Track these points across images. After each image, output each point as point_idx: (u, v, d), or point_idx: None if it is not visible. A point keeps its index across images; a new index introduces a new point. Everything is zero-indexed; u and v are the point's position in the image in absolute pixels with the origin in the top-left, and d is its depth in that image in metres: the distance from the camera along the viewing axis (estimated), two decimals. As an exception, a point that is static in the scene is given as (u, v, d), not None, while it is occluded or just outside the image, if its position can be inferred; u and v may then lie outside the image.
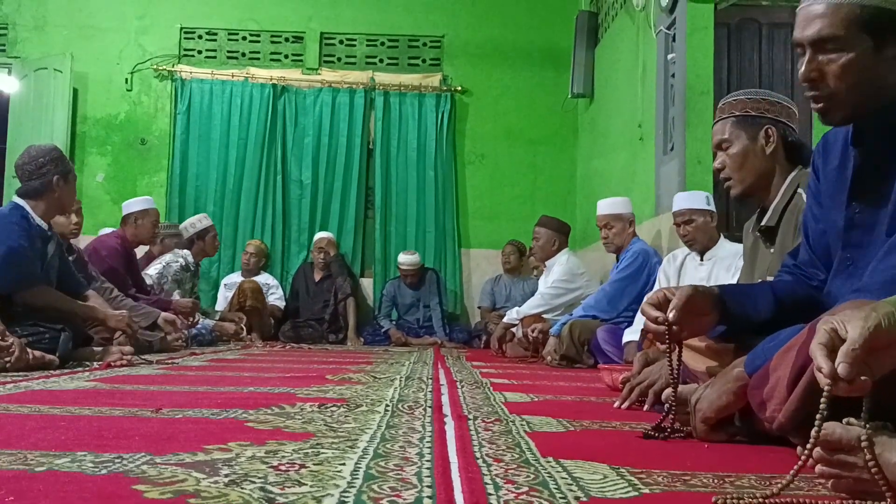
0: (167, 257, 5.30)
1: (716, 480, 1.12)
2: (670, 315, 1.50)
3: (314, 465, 1.15)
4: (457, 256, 6.81)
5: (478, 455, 1.27)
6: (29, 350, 2.76)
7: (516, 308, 4.95)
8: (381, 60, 6.98)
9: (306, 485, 1.02)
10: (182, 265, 5.33)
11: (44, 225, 3.34)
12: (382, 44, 6.98)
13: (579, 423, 1.73)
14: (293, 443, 1.35)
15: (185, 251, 5.43)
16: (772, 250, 2.02)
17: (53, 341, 2.99)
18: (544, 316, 4.66)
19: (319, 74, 6.84)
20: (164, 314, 4.36)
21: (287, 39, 6.89)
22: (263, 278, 6.45)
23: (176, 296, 5.14)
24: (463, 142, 6.94)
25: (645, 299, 1.59)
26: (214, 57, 6.85)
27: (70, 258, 3.87)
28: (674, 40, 4.42)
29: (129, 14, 6.73)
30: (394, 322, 6.45)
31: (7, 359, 2.63)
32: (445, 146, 6.84)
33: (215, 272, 6.65)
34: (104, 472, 1.08)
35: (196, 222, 5.61)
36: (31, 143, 3.76)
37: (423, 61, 7.00)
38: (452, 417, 1.74)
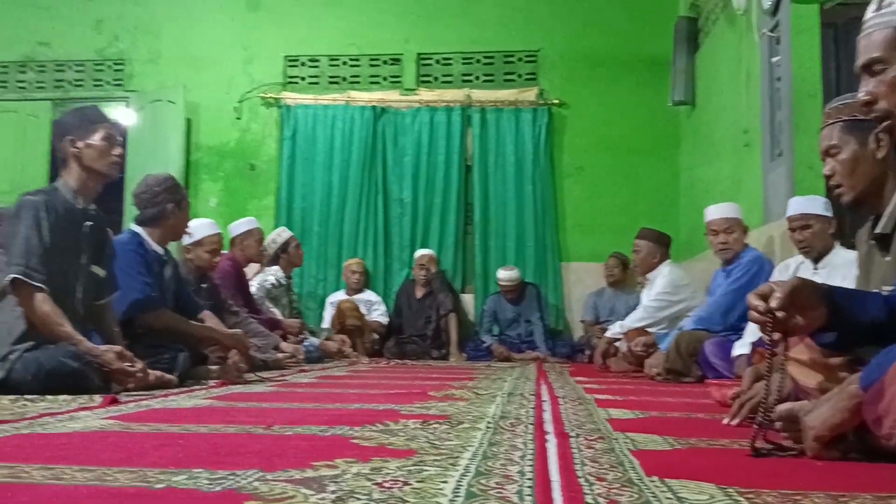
0: (258, 278, 5.48)
1: (829, 500, 1.08)
2: (773, 302, 1.44)
3: (417, 482, 1.17)
4: (557, 270, 6.77)
5: (580, 474, 1.26)
6: (150, 371, 2.90)
7: (619, 322, 4.87)
8: (476, 78, 7.04)
9: (409, 502, 1.04)
10: (273, 283, 5.50)
11: (160, 250, 3.52)
12: (478, 61, 7.04)
13: (686, 440, 1.69)
14: (397, 460, 1.38)
15: (274, 267, 5.60)
16: (887, 258, 1.93)
17: (172, 361, 3.14)
18: (648, 329, 4.57)
19: (417, 94, 6.96)
20: (283, 344, 4.56)
21: (385, 62, 7.04)
22: (366, 295, 6.58)
23: (276, 312, 5.32)
24: (561, 155, 6.91)
25: (751, 293, 1.54)
26: (317, 83, 7.07)
27: (203, 286, 4.08)
28: (778, 43, 4.27)
29: (237, 45, 7.03)
30: (496, 337, 6.45)
31: (131, 381, 2.77)
32: (543, 160, 6.82)
33: (321, 290, 6.83)
34: (218, 488, 1.13)
35: (276, 237, 5.77)
36: (149, 171, 3.98)
37: (519, 76, 7.02)
38: (554, 435, 1.73)
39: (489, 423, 1.93)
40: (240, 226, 5.24)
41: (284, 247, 5.70)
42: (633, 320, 4.71)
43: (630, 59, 6.81)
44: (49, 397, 2.50)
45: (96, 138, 2.90)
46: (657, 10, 6.72)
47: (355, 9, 7.03)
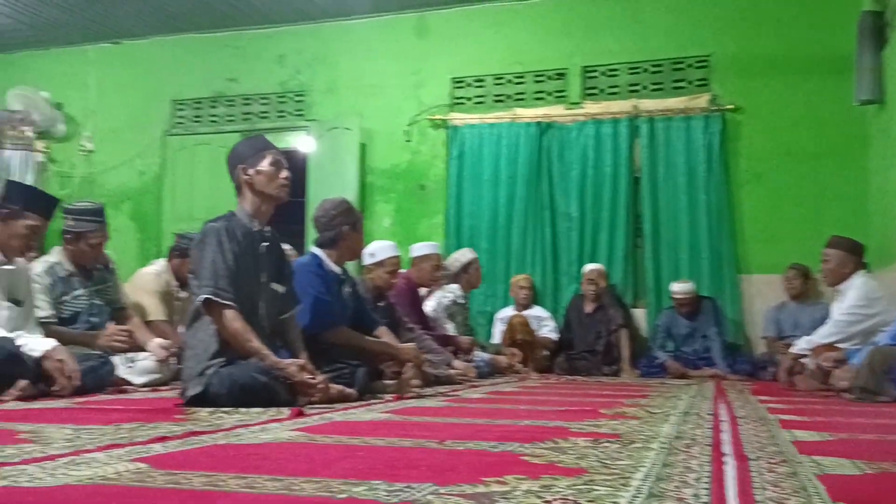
0: (438, 293, 5.62)
1: None
2: None
3: (587, 501, 1.17)
4: (735, 283, 6.47)
5: (759, 498, 1.21)
6: (331, 385, 3.06)
7: (806, 337, 4.59)
8: (644, 87, 6.90)
9: (579, 522, 1.04)
10: (452, 300, 5.63)
11: (338, 270, 3.71)
12: (645, 70, 6.90)
13: (878, 465, 1.58)
14: (566, 478, 1.38)
15: (454, 285, 5.73)
16: None
17: (352, 376, 3.30)
18: (839, 345, 4.28)
19: (583, 108, 6.92)
20: (455, 362, 4.67)
21: (550, 77, 7.06)
22: (535, 311, 6.59)
23: (451, 329, 5.44)
24: (736, 162, 6.61)
25: None
26: (483, 102, 7.20)
27: (380, 304, 4.27)
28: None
29: (407, 71, 7.29)
30: (670, 353, 6.26)
31: (313, 392, 2.94)
32: (717, 168, 6.56)
33: (489, 306, 6.91)
34: (395, 500, 1.18)
35: (460, 256, 5.91)
36: (327, 195, 4.21)
37: (689, 83, 6.80)
38: (733, 457, 1.67)
39: (663, 442, 1.89)
40: (420, 248, 5.42)
41: (466, 267, 5.84)
42: (822, 336, 4.42)
43: (808, 58, 6.43)
44: (242, 410, 2.69)
45: (265, 164, 3.10)
46: (837, 6, 6.31)
47: (519, 28, 7.10)
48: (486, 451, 1.77)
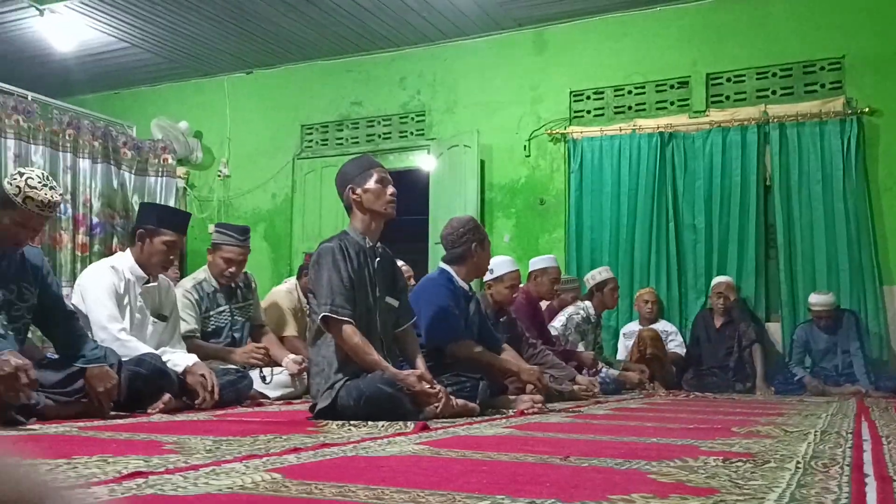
0: (569, 309, 5.58)
1: None
2: None
3: (716, 522, 1.14)
4: (878, 295, 6.09)
5: (904, 524, 1.15)
6: (453, 398, 3.10)
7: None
8: (773, 92, 6.64)
9: (707, 542, 1.02)
10: (583, 317, 5.57)
11: (465, 286, 3.77)
12: (774, 75, 6.64)
13: None
14: (696, 498, 1.35)
15: (587, 303, 5.68)
16: None
17: (473, 390, 3.33)
18: None
19: (707, 116, 6.72)
20: (578, 377, 4.63)
21: (672, 86, 6.91)
22: (662, 325, 6.43)
23: (580, 347, 5.38)
24: (876, 167, 6.25)
25: None
26: (602, 114, 7.12)
27: (501, 319, 4.30)
28: None
29: (525, 87, 7.32)
30: (808, 369, 5.95)
31: (436, 405, 2.98)
32: (855, 174, 6.21)
33: (614, 322, 6.79)
34: (519, 515, 1.19)
35: (597, 274, 5.85)
36: (448, 212, 4.29)
37: (822, 86, 6.49)
38: (875, 478, 1.58)
39: (799, 462, 1.81)
40: (538, 262, 5.41)
41: (602, 285, 5.79)
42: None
43: (956, 53, 6.01)
44: (370, 423, 2.77)
45: (371, 183, 3.19)
46: None
47: (638, 38, 6.99)
48: (611, 468, 1.75)
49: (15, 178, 2.94)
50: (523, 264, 5.59)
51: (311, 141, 8.22)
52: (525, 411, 3.39)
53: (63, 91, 8.10)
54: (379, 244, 3.26)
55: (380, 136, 7.95)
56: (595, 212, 6.99)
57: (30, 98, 6.45)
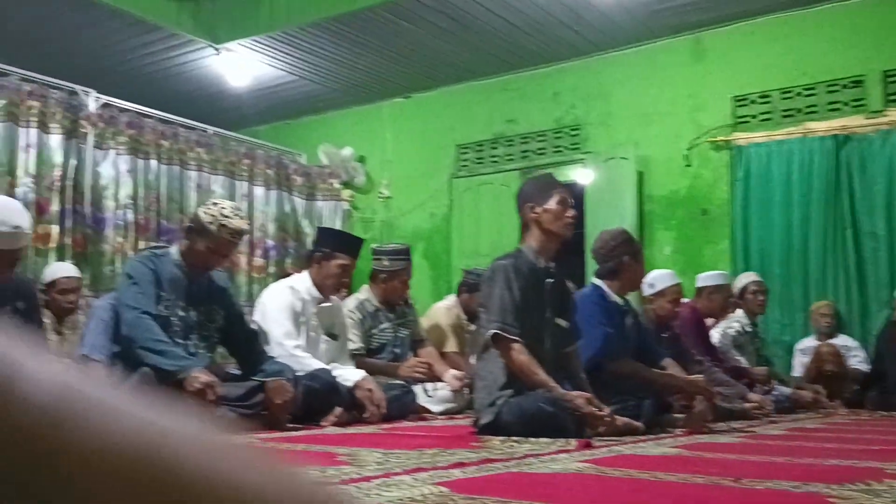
0: (721, 325, 5.35)
1: None
2: None
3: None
4: None
5: None
6: (617, 417, 3.05)
7: None
8: (962, 86, 6.10)
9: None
10: (738, 329, 5.32)
11: (620, 301, 3.71)
12: (962, 67, 6.11)
13: None
14: (881, 525, 1.27)
15: (739, 313, 5.42)
16: None
17: (638, 408, 3.26)
18: None
19: (886, 116, 6.26)
20: (751, 395, 4.44)
21: (845, 86, 6.49)
22: (841, 340, 6.02)
23: (742, 361, 5.15)
24: None
25: None
26: (769, 119, 6.80)
27: (664, 335, 4.21)
28: None
29: (683, 95, 7.12)
30: None
31: (601, 426, 2.95)
32: None
33: (788, 336, 6.43)
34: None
35: (737, 282, 5.59)
36: (605, 226, 4.23)
37: None
38: None
39: None
40: (711, 278, 5.24)
41: (742, 292, 5.55)
42: None
43: None
44: (532, 439, 2.78)
45: (552, 203, 3.19)
46: None
47: (806, 37, 6.63)
48: (787, 490, 1.67)
49: (210, 208, 3.22)
50: (686, 277, 5.42)
51: (466, 160, 8.37)
52: (693, 430, 3.28)
53: (238, 124, 8.70)
54: (552, 264, 3.27)
55: (534, 151, 7.97)
56: (763, 221, 6.67)
57: (210, 132, 6.98)
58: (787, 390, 5.25)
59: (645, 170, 7.20)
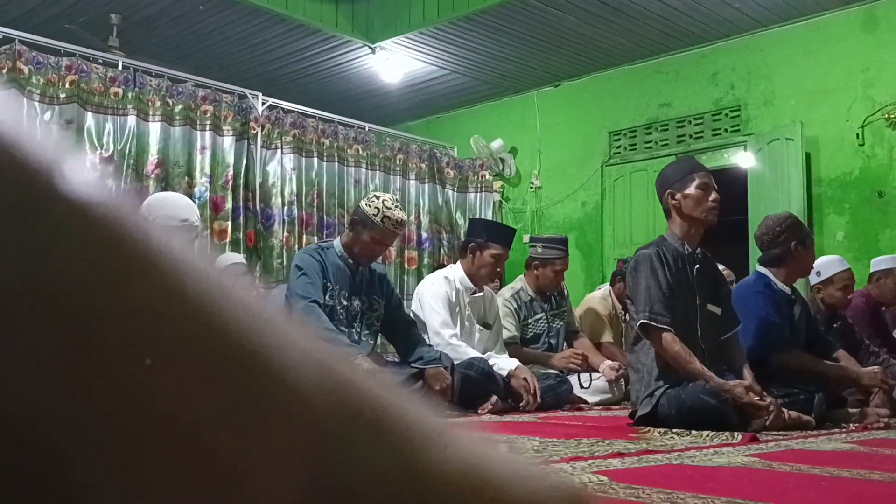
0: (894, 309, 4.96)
1: None
2: None
3: None
4: None
5: None
6: (785, 410, 2.92)
7: None
8: None
9: None
10: None
11: (786, 290, 3.53)
12: None
13: None
14: None
15: None
16: None
17: (808, 402, 3.10)
18: None
19: None
20: None
21: None
22: None
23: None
24: None
25: None
26: (952, 91, 6.25)
27: (835, 325, 3.98)
28: None
29: (855, 70, 6.66)
30: None
31: (765, 418, 2.84)
32: None
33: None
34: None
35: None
36: (769, 211, 4.03)
37: None
38: None
39: None
40: (882, 262, 4.90)
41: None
42: None
43: None
44: (693, 432, 2.72)
45: (692, 188, 3.07)
46: None
47: None
48: (978, 492, 1.55)
49: (372, 201, 3.38)
50: (861, 263, 5.10)
51: (619, 147, 8.21)
52: (869, 426, 3.09)
53: (391, 120, 8.95)
54: (699, 250, 3.18)
55: (691, 135, 7.71)
56: (949, 202, 6.14)
57: (367, 129, 7.23)
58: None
59: (813, 151, 6.80)
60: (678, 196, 3.10)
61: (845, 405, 3.40)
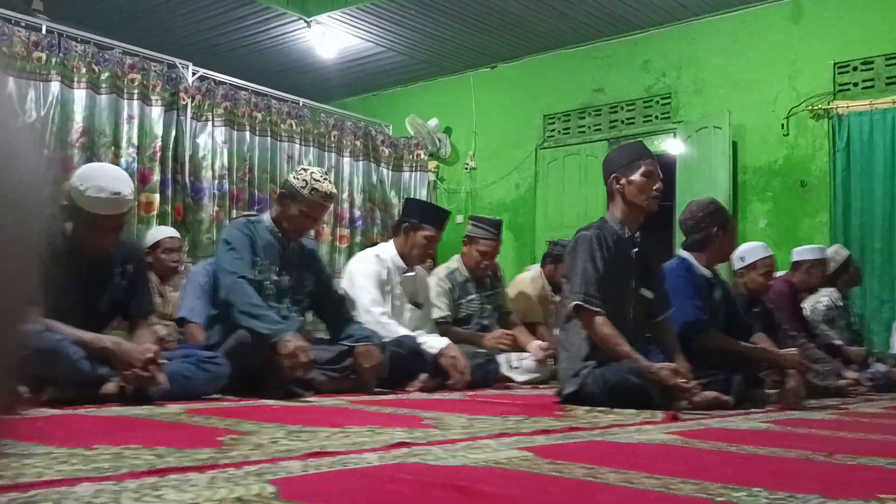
0: (810, 300, 5.15)
1: None
2: None
3: None
4: None
5: None
6: (705, 391, 3.00)
7: None
8: None
9: None
10: (828, 304, 5.13)
11: (707, 273, 3.62)
12: None
13: None
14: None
15: (829, 289, 5.21)
16: None
17: (727, 383, 3.19)
18: None
19: None
20: (846, 373, 4.31)
21: (956, 51, 6.12)
22: (946, 319, 5.75)
23: (832, 336, 4.97)
24: None
25: None
26: (872, 86, 6.48)
27: (755, 309, 4.10)
28: None
29: (781, 61, 6.85)
30: None
31: (688, 399, 2.91)
32: None
33: (887, 313, 6.17)
34: (778, 507, 1.16)
35: (835, 254, 5.36)
36: (697, 197, 4.12)
37: None
38: None
39: None
40: (810, 252, 5.07)
41: (846, 265, 5.34)
42: None
43: None
44: (616, 410, 2.77)
45: (637, 175, 3.11)
46: None
47: (916, -3, 6.28)
48: (882, 467, 1.62)
49: (300, 174, 3.33)
50: (782, 251, 5.26)
51: (553, 130, 8.28)
52: (785, 406, 3.20)
53: (326, 96, 8.83)
54: (638, 234, 3.22)
55: (623, 121, 7.83)
56: (865, 193, 6.38)
57: (301, 104, 7.12)
58: (884, 368, 5.06)
59: (739, 139, 6.98)
60: (623, 181, 3.13)
61: (763, 386, 3.51)
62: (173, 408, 2.44)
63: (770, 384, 3.52)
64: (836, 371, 4.32)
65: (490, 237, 4.56)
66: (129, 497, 1.09)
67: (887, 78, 6.41)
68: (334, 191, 3.37)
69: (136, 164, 5.60)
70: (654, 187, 3.12)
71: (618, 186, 3.15)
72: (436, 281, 4.50)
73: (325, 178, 3.33)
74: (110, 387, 2.55)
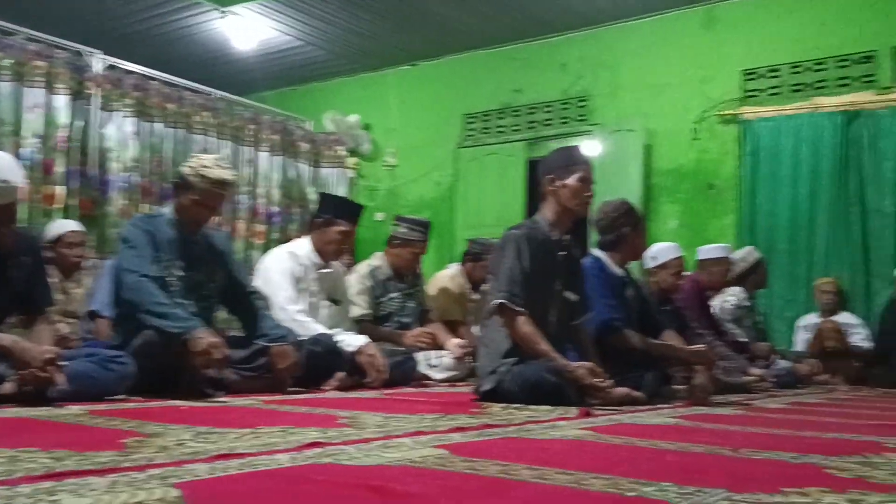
0: (718, 299, 5.32)
1: None
2: None
3: (902, 520, 1.08)
4: None
5: None
6: (618, 387, 3.05)
7: None
8: (975, 63, 6.02)
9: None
10: (735, 303, 5.31)
11: (620, 272, 3.70)
12: (975, 44, 6.03)
13: None
14: (878, 494, 1.28)
15: (736, 288, 5.39)
16: None
17: (639, 379, 3.27)
18: None
19: (895, 92, 6.21)
20: (752, 370, 4.46)
21: (855, 61, 6.41)
22: (843, 318, 6.01)
23: (738, 334, 5.14)
24: None
25: None
26: (778, 93, 6.74)
27: (666, 308, 4.19)
28: None
29: (693, 67, 7.05)
30: None
31: (602, 397, 2.96)
32: None
33: (790, 311, 6.43)
34: (686, 503, 1.18)
35: (746, 256, 5.57)
36: (611, 198, 4.20)
37: None
38: None
39: None
40: (712, 251, 5.22)
41: (755, 267, 5.54)
42: None
43: None
44: (532, 407, 2.80)
45: (572, 180, 3.16)
46: None
47: (817, 11, 6.55)
48: (785, 461, 1.68)
49: (190, 162, 3.21)
50: (691, 251, 5.40)
51: (473, 130, 8.32)
52: (694, 402, 3.29)
53: (244, 89, 8.64)
54: (567, 237, 3.25)
55: (541, 122, 7.92)
56: (770, 196, 6.63)
57: (215, 96, 6.94)
58: (787, 365, 5.26)
59: (652, 142, 7.16)
60: (558, 183, 3.16)
61: (673, 382, 3.60)
62: (74, 409, 2.33)
63: (679, 380, 3.62)
64: (742, 368, 4.47)
65: (423, 238, 4.58)
66: (23, 502, 1.03)
67: (792, 85, 6.67)
68: (228, 177, 3.21)
69: (39, 155, 5.35)
70: (587, 194, 3.17)
71: (552, 188, 3.18)
72: (357, 278, 4.46)
73: (217, 165, 3.18)
74: (7, 387, 2.43)
